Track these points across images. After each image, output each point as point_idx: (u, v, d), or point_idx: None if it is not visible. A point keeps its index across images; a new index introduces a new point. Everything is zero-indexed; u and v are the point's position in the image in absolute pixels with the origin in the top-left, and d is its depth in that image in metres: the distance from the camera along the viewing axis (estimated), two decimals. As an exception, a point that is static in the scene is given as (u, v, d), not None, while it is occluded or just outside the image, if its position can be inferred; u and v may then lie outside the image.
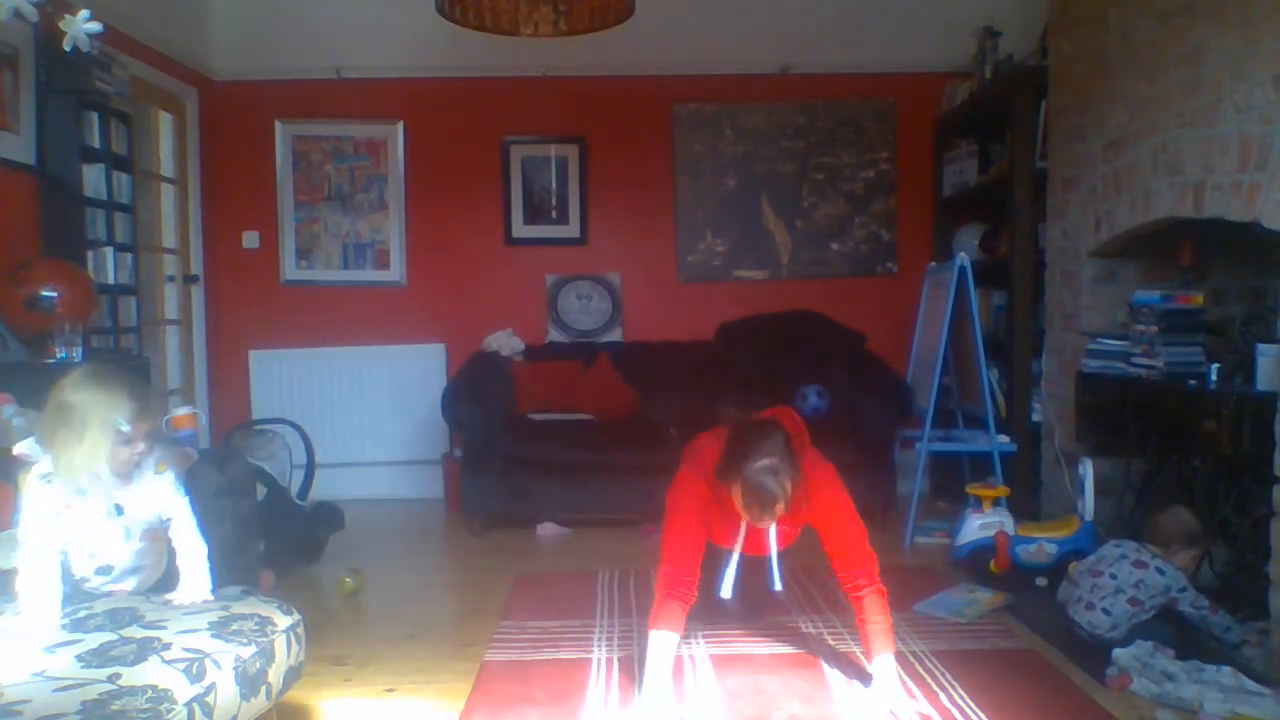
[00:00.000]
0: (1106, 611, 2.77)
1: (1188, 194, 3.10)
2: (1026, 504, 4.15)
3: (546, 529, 4.44)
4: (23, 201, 3.62)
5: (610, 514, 4.45)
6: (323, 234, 5.37)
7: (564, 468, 4.44)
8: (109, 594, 2.22)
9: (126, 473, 2.15)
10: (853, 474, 2.56)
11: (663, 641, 2.45)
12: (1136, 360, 3.41)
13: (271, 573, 3.54)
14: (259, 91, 5.27)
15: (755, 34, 5.22)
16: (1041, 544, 3.47)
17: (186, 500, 2.26)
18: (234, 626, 1.99)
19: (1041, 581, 3.39)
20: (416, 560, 4.15)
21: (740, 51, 5.26)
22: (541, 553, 4.18)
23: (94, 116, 3.79)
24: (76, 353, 3.32)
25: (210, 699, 1.79)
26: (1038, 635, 2.97)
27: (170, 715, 1.67)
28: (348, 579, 3.51)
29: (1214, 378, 3.09)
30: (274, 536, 3.66)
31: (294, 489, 4.00)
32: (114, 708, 1.62)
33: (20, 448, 2.43)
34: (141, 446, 2.12)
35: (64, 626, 1.96)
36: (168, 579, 2.32)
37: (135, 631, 1.91)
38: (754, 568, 2.67)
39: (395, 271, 5.39)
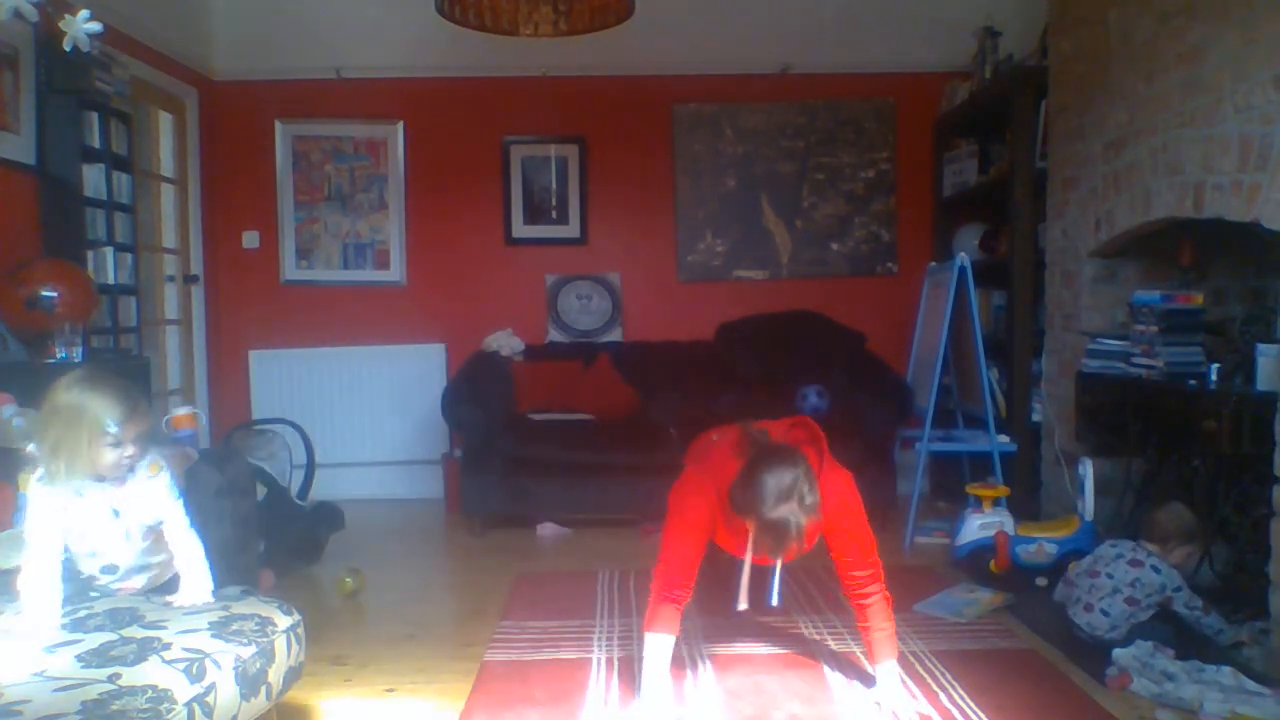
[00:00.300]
0: (1105, 612, 2.77)
1: (1188, 194, 3.10)
2: (1026, 504, 4.15)
3: (546, 529, 4.44)
4: (23, 201, 3.62)
5: (610, 514, 4.45)
6: (323, 234, 5.37)
7: (564, 468, 4.43)
8: (117, 592, 2.23)
9: (119, 475, 2.15)
10: (853, 474, 2.55)
11: (659, 644, 2.44)
12: (1136, 360, 3.41)
13: (271, 573, 3.54)
14: (259, 91, 5.27)
15: (755, 34, 5.22)
16: (1041, 544, 3.47)
17: (180, 503, 2.25)
18: (234, 627, 1.99)
19: (1041, 581, 3.39)
20: (416, 560, 4.15)
21: (740, 51, 5.26)
22: (541, 553, 4.18)
23: (94, 116, 3.79)
24: (76, 353, 3.31)
25: (210, 699, 1.79)
26: (1038, 635, 2.97)
27: (170, 715, 1.67)
28: (348, 579, 3.51)
29: (1214, 378, 3.09)
30: (274, 536, 3.66)
31: (294, 489, 4.00)
32: (114, 708, 1.62)
33: (31, 448, 2.43)
34: (132, 450, 2.11)
35: (64, 626, 1.96)
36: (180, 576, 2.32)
37: (135, 631, 1.91)
38: (758, 576, 2.65)
39: (395, 271, 5.39)
